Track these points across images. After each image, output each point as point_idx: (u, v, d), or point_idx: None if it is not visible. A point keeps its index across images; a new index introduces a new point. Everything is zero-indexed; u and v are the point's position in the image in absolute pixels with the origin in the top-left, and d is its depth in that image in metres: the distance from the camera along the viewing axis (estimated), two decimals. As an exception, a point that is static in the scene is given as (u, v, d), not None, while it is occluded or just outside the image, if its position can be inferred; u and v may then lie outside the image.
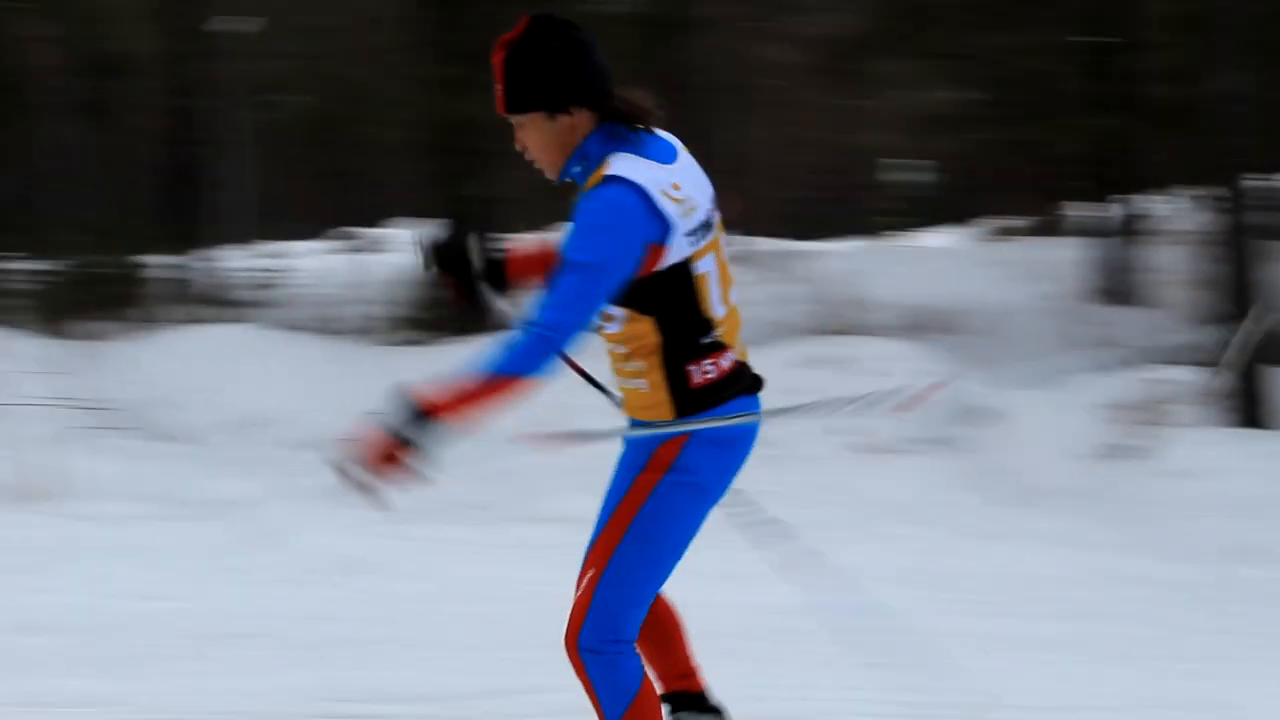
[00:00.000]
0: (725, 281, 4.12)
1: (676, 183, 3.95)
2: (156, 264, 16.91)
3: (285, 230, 22.51)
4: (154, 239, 17.20)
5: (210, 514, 10.01)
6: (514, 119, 4.01)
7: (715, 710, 4.47)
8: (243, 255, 18.73)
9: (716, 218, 4.09)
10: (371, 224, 25.02)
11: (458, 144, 15.76)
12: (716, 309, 4.07)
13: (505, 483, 10.33)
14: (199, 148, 18.05)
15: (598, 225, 3.86)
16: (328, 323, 15.63)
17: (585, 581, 4.14)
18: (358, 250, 23.30)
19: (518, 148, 4.08)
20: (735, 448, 4.17)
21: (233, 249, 18.65)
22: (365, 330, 15.59)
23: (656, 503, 4.10)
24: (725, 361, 4.11)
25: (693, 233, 3.95)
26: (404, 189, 22.15)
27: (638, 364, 4.11)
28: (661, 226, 3.87)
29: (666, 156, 4.02)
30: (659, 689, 4.32)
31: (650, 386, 4.12)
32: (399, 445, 3.75)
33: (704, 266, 4.00)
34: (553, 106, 3.95)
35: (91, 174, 18.45)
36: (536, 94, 3.94)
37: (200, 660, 6.73)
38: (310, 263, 20.51)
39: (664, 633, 4.46)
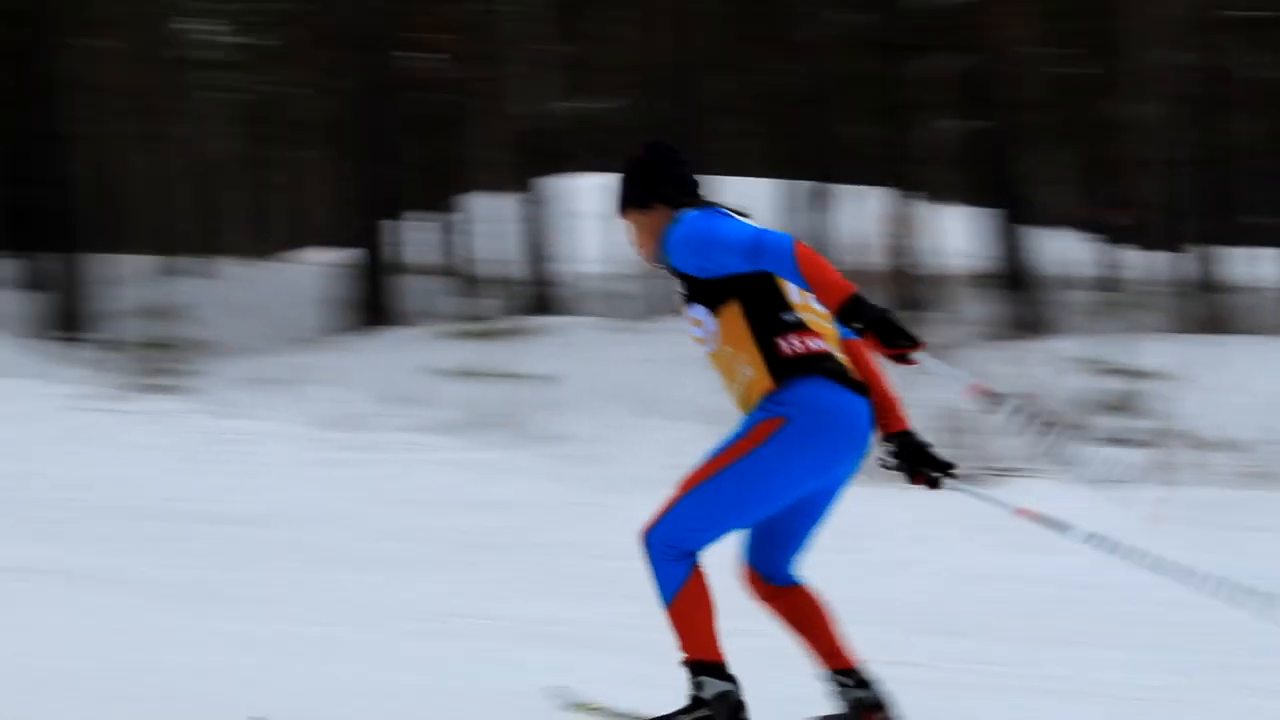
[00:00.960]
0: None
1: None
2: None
3: None
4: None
5: None
6: (625, 218, 5.28)
7: (868, 684, 5.09)
8: None
9: None
10: None
11: None
12: (794, 296, 4.96)
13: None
14: None
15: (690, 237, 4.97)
16: None
17: (676, 491, 4.96)
18: None
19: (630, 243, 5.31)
20: (839, 433, 4.92)
21: None
22: None
23: (759, 457, 4.85)
24: (813, 343, 4.94)
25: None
26: None
27: (740, 354, 4.95)
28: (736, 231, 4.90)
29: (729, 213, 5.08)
30: (821, 668, 5.13)
31: (753, 367, 4.92)
32: None
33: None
34: (639, 205, 5.22)
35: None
36: (627, 198, 5.24)
37: None
38: None
39: (809, 620, 5.17)
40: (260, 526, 10.91)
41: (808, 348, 4.91)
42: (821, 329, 4.99)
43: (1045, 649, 7.82)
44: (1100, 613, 8.70)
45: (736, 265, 4.81)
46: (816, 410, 4.85)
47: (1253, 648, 7.03)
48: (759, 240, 4.74)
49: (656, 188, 5.14)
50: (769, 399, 4.89)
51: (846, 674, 5.10)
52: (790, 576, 5.21)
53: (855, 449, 4.97)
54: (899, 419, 5.15)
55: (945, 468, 5.13)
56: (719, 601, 4.95)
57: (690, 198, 5.13)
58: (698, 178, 5.25)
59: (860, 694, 5.07)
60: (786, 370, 4.88)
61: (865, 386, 5.00)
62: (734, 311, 4.93)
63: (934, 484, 5.13)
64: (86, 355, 18.85)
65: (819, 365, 4.91)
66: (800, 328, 4.94)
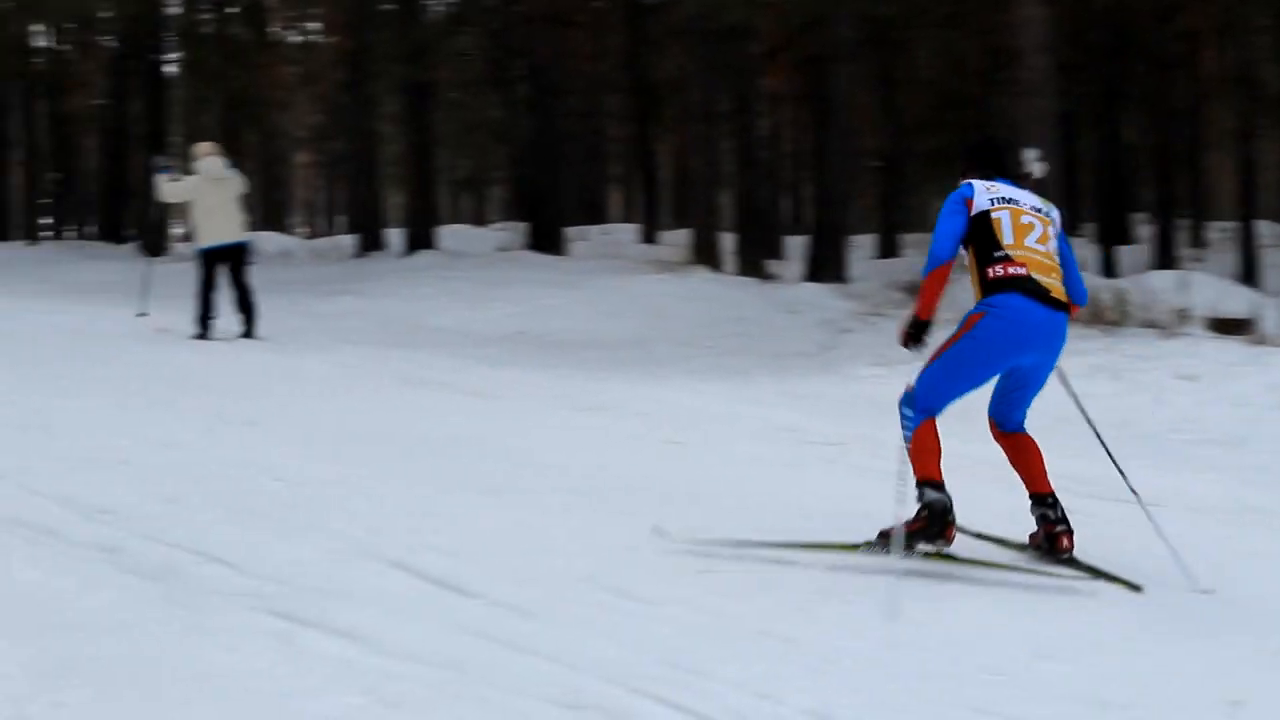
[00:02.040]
0: (1019, 231, 7.15)
1: (992, 185, 7.32)
2: None
3: None
4: None
5: None
6: None
7: (1056, 505, 7.31)
8: None
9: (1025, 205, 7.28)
10: None
11: None
12: (1008, 237, 7.12)
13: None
14: None
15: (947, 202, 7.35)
16: None
17: (915, 373, 7.23)
18: None
19: None
20: (1016, 326, 7.02)
21: None
22: None
23: (959, 345, 7.13)
24: (1013, 270, 7.06)
25: (998, 200, 7.23)
26: None
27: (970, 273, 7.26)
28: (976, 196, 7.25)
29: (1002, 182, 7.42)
30: (1032, 489, 7.38)
31: (971, 280, 7.24)
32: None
33: (1000, 214, 7.20)
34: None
35: None
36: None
37: None
38: None
39: (1025, 456, 7.45)
40: None
41: (1006, 273, 7.06)
42: (1027, 260, 7.10)
43: None
44: None
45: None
46: (1003, 310, 7.02)
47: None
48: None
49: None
50: (979, 303, 7.14)
51: (1043, 497, 7.37)
52: (1017, 426, 7.52)
53: (1038, 342, 7.13)
54: None
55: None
56: (945, 445, 7.17)
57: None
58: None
59: (1049, 513, 7.31)
60: (986, 288, 7.13)
61: (1059, 301, 7.11)
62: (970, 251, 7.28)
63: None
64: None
65: (1015, 284, 7.05)
66: (1005, 260, 7.10)
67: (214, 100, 36.72)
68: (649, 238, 35.88)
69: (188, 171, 18.58)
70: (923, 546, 6.92)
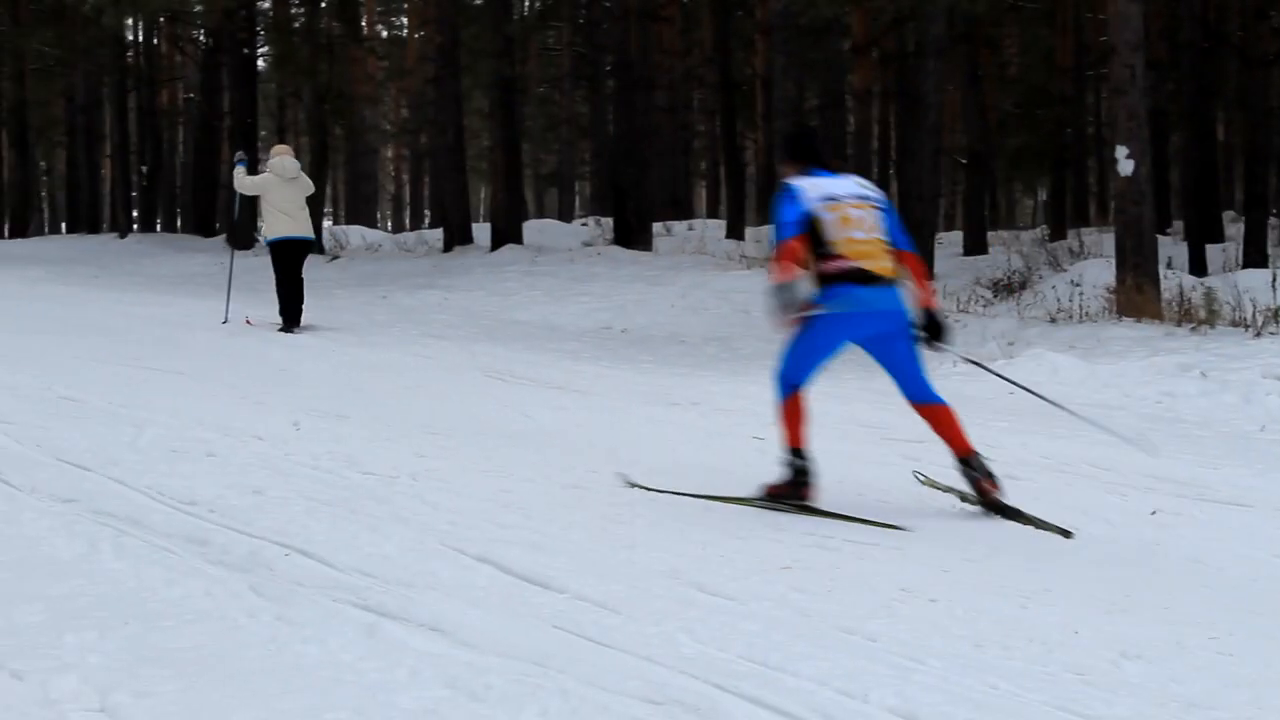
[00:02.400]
0: (844, 226, 8.09)
1: (815, 183, 8.22)
2: None
3: None
4: None
5: None
6: None
7: (976, 463, 8.16)
8: None
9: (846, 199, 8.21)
10: None
11: None
12: (834, 235, 8.08)
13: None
14: None
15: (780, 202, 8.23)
16: None
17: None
18: None
19: None
20: (850, 309, 8.05)
21: None
22: None
23: (806, 330, 8.17)
24: (842, 264, 8.07)
25: (822, 198, 8.14)
26: None
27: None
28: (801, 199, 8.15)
29: (821, 175, 8.35)
30: (952, 454, 8.24)
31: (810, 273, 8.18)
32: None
33: (826, 215, 8.11)
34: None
35: None
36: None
37: None
38: None
39: (942, 424, 8.28)
40: None
41: (838, 267, 8.08)
42: (854, 252, 8.09)
43: None
44: None
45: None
46: (836, 298, 8.07)
47: None
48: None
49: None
50: (817, 293, 8.14)
51: (967, 459, 8.21)
52: (926, 398, 8.34)
53: (873, 318, 8.13)
54: (926, 299, 8.47)
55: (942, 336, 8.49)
56: (809, 415, 8.35)
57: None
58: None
59: (974, 471, 8.17)
60: (820, 281, 8.15)
61: (888, 278, 8.14)
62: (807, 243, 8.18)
63: (934, 349, 8.49)
64: None
65: (845, 275, 8.07)
66: (835, 255, 8.10)
67: (303, 94, 36.91)
68: (735, 233, 35.81)
69: (259, 165, 19.08)
70: (786, 502, 8.15)
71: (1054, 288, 19.77)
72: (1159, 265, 18.09)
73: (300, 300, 18.60)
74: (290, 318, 18.38)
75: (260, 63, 44.11)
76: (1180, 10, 28.56)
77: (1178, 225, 32.51)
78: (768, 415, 10.47)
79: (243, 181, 19.08)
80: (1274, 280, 17.14)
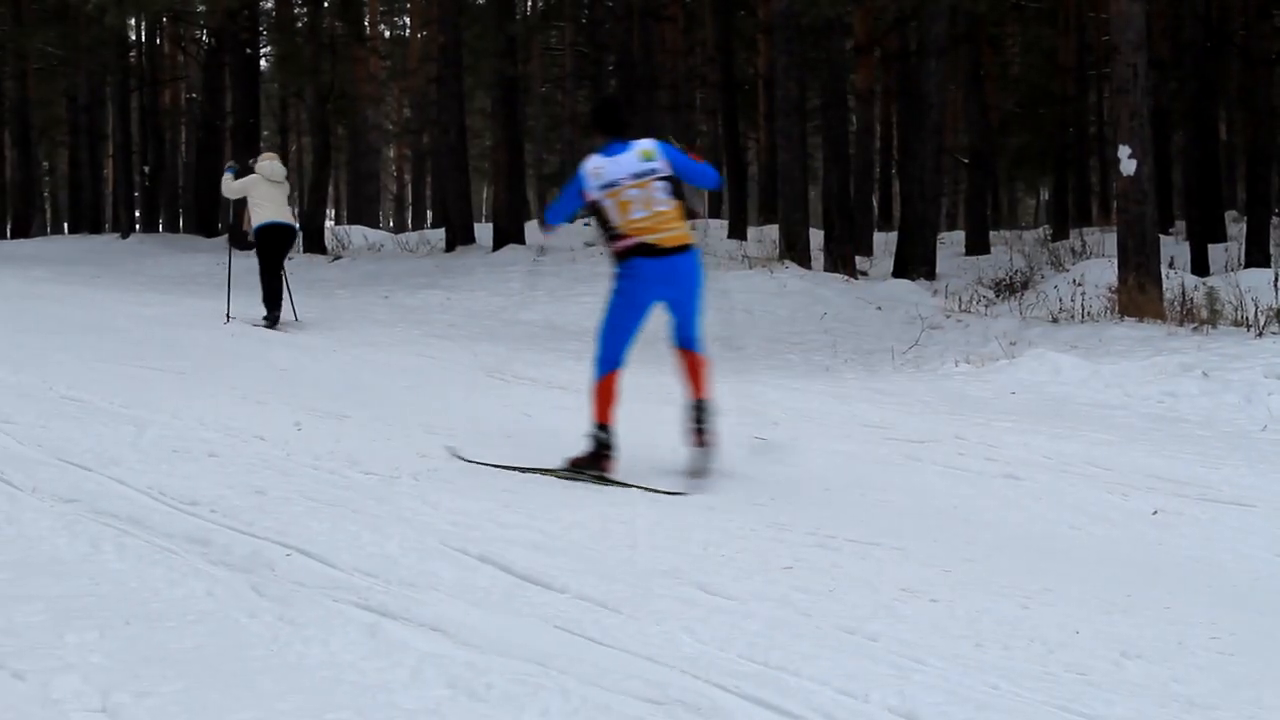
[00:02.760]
0: (624, 209, 8.93)
1: (598, 169, 9.02)
2: None
3: None
4: None
5: None
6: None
7: (703, 409, 9.22)
8: None
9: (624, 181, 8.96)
10: None
11: None
12: (616, 219, 8.96)
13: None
14: None
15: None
16: None
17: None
18: None
19: None
20: (644, 279, 8.98)
21: None
22: None
23: (609, 308, 9.13)
24: (629, 242, 8.96)
25: (602, 186, 8.98)
26: None
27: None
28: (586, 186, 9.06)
29: (612, 153, 9.07)
30: (689, 397, 9.25)
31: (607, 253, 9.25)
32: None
33: (606, 202, 8.99)
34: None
35: None
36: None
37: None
38: None
39: (691, 367, 9.26)
40: None
41: (626, 245, 8.99)
42: (638, 230, 8.92)
43: None
44: None
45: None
46: (630, 271, 9.02)
47: None
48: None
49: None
50: (614, 270, 9.16)
51: (699, 402, 9.24)
52: (688, 343, 9.31)
53: (667, 283, 9.05)
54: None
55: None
56: (619, 395, 9.16)
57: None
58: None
59: (699, 415, 9.21)
60: (615, 257, 9.11)
61: (677, 246, 9.00)
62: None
63: None
64: None
65: (633, 251, 8.97)
66: (621, 236, 9.00)
67: (306, 94, 36.90)
68: (737, 233, 35.81)
69: (249, 170, 19.39)
70: (587, 473, 8.95)
71: (1056, 287, 19.79)
72: (1161, 265, 18.07)
73: (280, 295, 18.89)
74: (273, 309, 18.74)
75: (263, 62, 44.14)
76: (1183, 9, 28.55)
77: (1180, 225, 32.54)
78: (768, 415, 10.45)
79: (230, 186, 19.35)
80: (1276, 280, 17.13)
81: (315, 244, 33.08)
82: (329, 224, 41.89)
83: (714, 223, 39.51)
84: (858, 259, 27.21)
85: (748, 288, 21.66)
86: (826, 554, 7.05)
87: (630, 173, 8.97)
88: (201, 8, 39.30)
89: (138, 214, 47.48)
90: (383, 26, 67.70)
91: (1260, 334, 15.17)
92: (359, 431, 10.32)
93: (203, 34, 44.05)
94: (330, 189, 57.59)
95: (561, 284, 23.52)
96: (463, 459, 9.35)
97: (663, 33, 33.85)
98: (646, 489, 8.55)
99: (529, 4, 48.84)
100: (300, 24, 35.64)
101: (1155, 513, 8.39)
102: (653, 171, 8.99)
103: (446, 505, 7.85)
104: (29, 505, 7.61)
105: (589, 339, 18.63)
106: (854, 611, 5.99)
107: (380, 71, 55.24)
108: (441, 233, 34.75)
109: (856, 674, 5.15)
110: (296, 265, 29.17)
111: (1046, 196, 51.36)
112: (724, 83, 39.42)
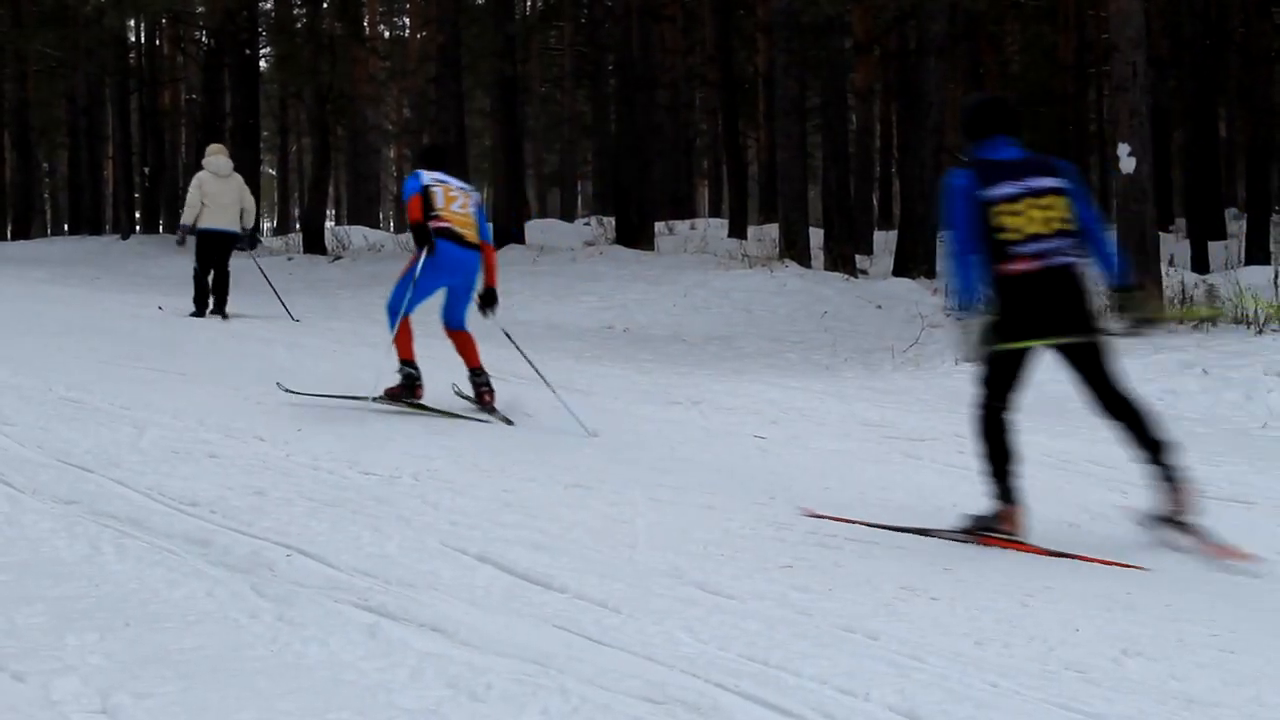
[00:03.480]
0: (447, 200, 11.34)
1: (432, 172, 11.55)
2: None
3: None
4: None
5: None
6: None
7: (482, 375, 11.58)
8: None
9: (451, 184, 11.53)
10: None
11: None
12: (439, 205, 11.28)
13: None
14: None
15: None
16: None
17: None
18: None
19: None
20: (445, 259, 11.22)
21: None
22: None
23: (416, 271, 11.25)
24: (442, 224, 11.21)
25: (431, 181, 11.42)
26: None
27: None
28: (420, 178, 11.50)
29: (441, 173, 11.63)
30: (466, 367, 11.64)
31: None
32: None
33: (434, 189, 11.40)
34: None
35: None
36: None
37: None
38: None
39: (464, 345, 11.62)
40: None
41: (439, 226, 11.20)
42: (451, 219, 11.28)
43: None
44: None
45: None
46: (437, 249, 11.18)
47: None
48: None
49: None
50: (415, 256, 11.41)
51: (476, 371, 11.57)
52: (458, 325, 11.72)
53: (459, 270, 11.42)
54: (490, 280, 11.61)
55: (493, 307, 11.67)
56: (413, 334, 11.49)
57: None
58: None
59: (480, 380, 11.58)
60: (433, 234, 11.21)
61: (471, 244, 11.38)
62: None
63: (485, 315, 11.67)
64: None
65: (442, 234, 11.20)
66: (437, 217, 11.23)
67: (305, 94, 36.91)
68: (737, 232, 35.82)
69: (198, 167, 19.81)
70: (403, 400, 11.33)
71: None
72: (1161, 263, 18.07)
73: (226, 290, 19.57)
74: (203, 306, 19.50)
75: (262, 63, 44.15)
76: (1182, 7, 28.56)
77: (1180, 223, 32.53)
78: (769, 414, 10.45)
79: (189, 202, 19.59)
80: (1276, 277, 17.13)
81: (315, 244, 33.09)
82: (329, 224, 41.89)
83: (713, 221, 39.53)
84: (857, 258, 27.21)
85: (747, 287, 21.69)
86: (826, 553, 7.06)
87: (456, 184, 11.72)
88: (201, 8, 39.33)
89: (138, 215, 47.47)
90: (382, 26, 67.74)
91: (1260, 331, 15.17)
92: (357, 432, 10.33)
93: (202, 34, 44.06)
94: (330, 189, 57.62)
95: (561, 283, 23.56)
96: (287, 390, 11.72)
97: (662, 32, 33.84)
98: (459, 416, 11.24)
99: (528, 4, 48.88)
100: (299, 24, 35.64)
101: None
102: (470, 193, 11.81)
103: (446, 505, 7.85)
104: (29, 507, 7.60)
105: (588, 338, 18.74)
106: (854, 610, 5.99)
107: (379, 71, 55.19)
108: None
109: (856, 673, 5.14)
110: (297, 265, 29.32)
111: (1046, 194, 51.28)
112: (723, 82, 39.46)
